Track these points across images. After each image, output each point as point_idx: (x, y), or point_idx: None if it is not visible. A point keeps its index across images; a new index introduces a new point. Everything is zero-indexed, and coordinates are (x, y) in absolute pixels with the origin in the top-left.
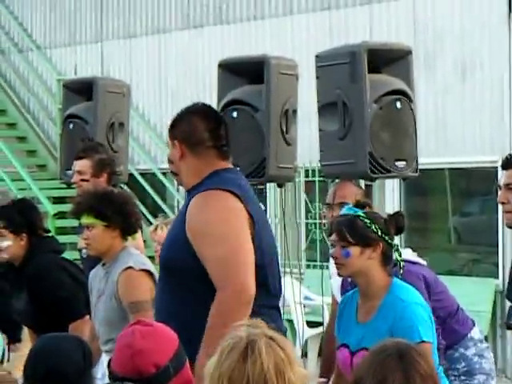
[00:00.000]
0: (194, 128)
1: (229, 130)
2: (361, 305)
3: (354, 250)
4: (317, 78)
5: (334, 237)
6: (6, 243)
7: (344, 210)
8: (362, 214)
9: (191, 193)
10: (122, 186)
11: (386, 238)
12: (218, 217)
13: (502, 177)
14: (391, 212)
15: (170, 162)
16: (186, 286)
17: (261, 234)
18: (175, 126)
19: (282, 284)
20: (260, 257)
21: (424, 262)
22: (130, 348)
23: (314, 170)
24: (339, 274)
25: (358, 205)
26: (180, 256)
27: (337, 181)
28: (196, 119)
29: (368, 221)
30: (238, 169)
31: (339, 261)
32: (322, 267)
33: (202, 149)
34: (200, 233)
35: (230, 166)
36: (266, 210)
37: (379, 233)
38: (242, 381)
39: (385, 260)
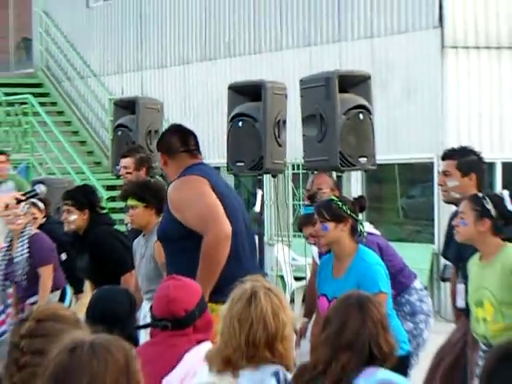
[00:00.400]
0: (169, 142)
1: (197, 138)
2: (335, 265)
3: (330, 225)
4: (301, 96)
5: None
6: (73, 217)
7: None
8: (335, 198)
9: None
10: (158, 177)
11: (353, 215)
12: (189, 188)
13: (441, 166)
14: (356, 196)
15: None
16: (178, 249)
17: (228, 206)
18: (158, 143)
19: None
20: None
21: (379, 233)
22: (166, 297)
23: (298, 165)
24: (319, 243)
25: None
26: (170, 228)
27: (315, 172)
28: (170, 135)
29: (340, 203)
30: (241, 165)
31: (319, 233)
32: (304, 236)
33: (177, 154)
34: (179, 204)
35: (199, 161)
36: (263, 195)
37: (348, 212)
38: (247, 321)
39: (352, 231)
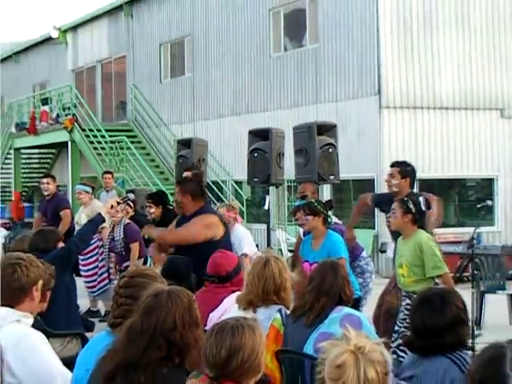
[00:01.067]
0: (195, 188)
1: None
2: (313, 242)
3: (309, 217)
4: (293, 138)
5: (301, 211)
6: (152, 210)
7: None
8: (313, 201)
9: (191, 216)
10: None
11: (324, 212)
12: (206, 219)
13: (388, 170)
14: (327, 200)
15: (178, 200)
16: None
17: (227, 236)
18: (186, 185)
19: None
20: (223, 242)
21: (341, 222)
22: (214, 262)
23: (291, 180)
24: (303, 226)
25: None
26: None
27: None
28: (195, 185)
29: (316, 204)
30: (256, 180)
31: (303, 222)
32: (295, 225)
33: (197, 197)
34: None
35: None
36: (269, 199)
37: (321, 209)
38: (263, 278)
39: (324, 222)
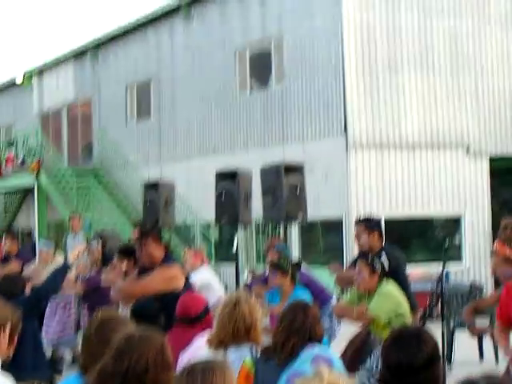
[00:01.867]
0: (157, 235)
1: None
2: (281, 298)
3: (278, 275)
4: (261, 179)
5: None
6: (124, 264)
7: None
8: (283, 260)
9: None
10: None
11: (293, 272)
12: (167, 272)
13: (354, 230)
14: (296, 261)
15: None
16: None
17: (188, 286)
18: (149, 233)
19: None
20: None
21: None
22: (184, 304)
23: (258, 220)
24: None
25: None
26: None
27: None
28: (156, 233)
29: (286, 263)
30: (224, 220)
31: (272, 278)
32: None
33: (160, 247)
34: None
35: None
36: (238, 238)
37: (288, 269)
38: (233, 318)
39: (292, 280)
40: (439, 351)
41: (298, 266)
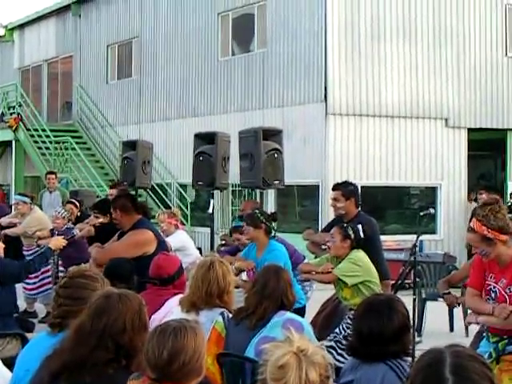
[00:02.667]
0: (124, 204)
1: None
2: (257, 251)
3: (251, 228)
4: (239, 142)
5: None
6: (100, 220)
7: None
8: (256, 212)
9: (127, 231)
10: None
11: (267, 223)
12: (138, 236)
13: (331, 194)
14: (272, 211)
15: (115, 218)
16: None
17: (161, 247)
18: (116, 202)
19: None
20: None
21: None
22: (157, 265)
23: (235, 184)
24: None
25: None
26: None
27: (245, 199)
28: (123, 200)
29: (259, 215)
30: (201, 183)
31: (246, 232)
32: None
33: (128, 212)
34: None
35: (141, 216)
36: (213, 203)
37: (263, 220)
38: (207, 280)
39: (266, 232)
40: (410, 322)
41: (272, 217)
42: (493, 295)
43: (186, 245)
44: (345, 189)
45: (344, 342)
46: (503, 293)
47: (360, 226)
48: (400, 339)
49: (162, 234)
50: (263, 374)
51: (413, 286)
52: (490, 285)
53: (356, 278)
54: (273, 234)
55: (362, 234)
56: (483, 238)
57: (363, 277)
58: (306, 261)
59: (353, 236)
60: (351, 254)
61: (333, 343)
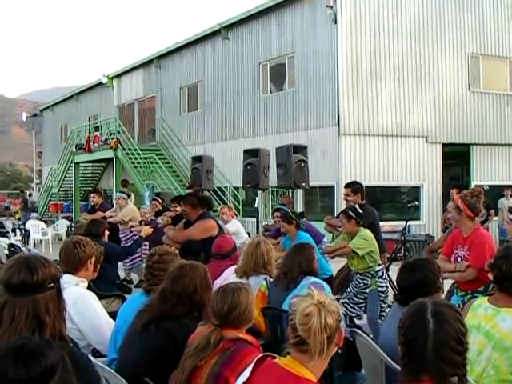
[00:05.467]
0: (192, 201)
1: (210, 200)
2: (290, 240)
3: (286, 224)
4: (276, 155)
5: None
6: (177, 209)
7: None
8: (289, 212)
9: (194, 221)
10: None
11: (297, 220)
12: (206, 224)
13: (343, 191)
14: (301, 211)
15: (185, 211)
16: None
17: (220, 231)
18: (185, 199)
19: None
20: (218, 234)
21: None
22: (218, 244)
23: (273, 186)
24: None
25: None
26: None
27: (282, 195)
28: (192, 198)
29: (292, 214)
30: (249, 185)
31: (282, 226)
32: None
33: (195, 207)
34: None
35: (205, 210)
36: (259, 199)
37: (294, 216)
38: (255, 254)
39: (297, 226)
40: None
41: (301, 215)
42: (459, 259)
43: (238, 230)
44: (353, 186)
45: (355, 298)
46: (467, 256)
47: (356, 206)
48: (438, 287)
49: (222, 221)
50: (293, 321)
51: (403, 258)
52: (457, 253)
53: (365, 250)
54: (301, 227)
55: (359, 210)
56: (457, 207)
57: (369, 248)
58: (325, 239)
59: (354, 215)
60: (360, 232)
61: (346, 300)
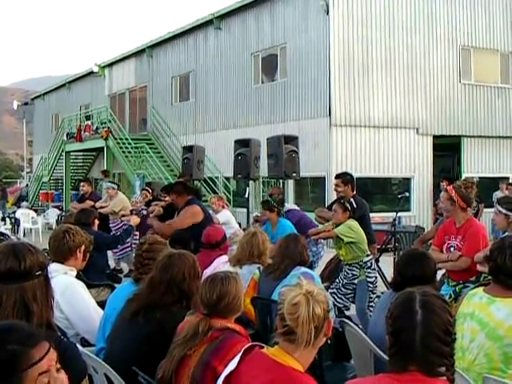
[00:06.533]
0: (178, 188)
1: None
2: (271, 226)
3: (267, 212)
4: (267, 145)
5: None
6: (167, 198)
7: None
8: (270, 199)
9: (181, 208)
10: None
11: (278, 207)
12: (189, 210)
13: (333, 181)
14: (293, 200)
15: (174, 200)
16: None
17: (207, 217)
18: (171, 188)
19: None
20: (205, 222)
21: (298, 208)
22: (207, 233)
23: (264, 176)
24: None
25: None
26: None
27: (272, 185)
28: (178, 186)
29: (272, 201)
30: (239, 176)
31: (263, 214)
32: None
33: (181, 194)
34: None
35: (191, 196)
36: (249, 190)
37: (275, 205)
38: (250, 244)
39: (277, 213)
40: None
41: (281, 202)
42: (452, 249)
43: (229, 220)
44: (344, 177)
45: (343, 289)
46: (460, 246)
47: (352, 200)
48: (433, 280)
49: (212, 211)
50: (281, 310)
51: (393, 249)
52: (450, 243)
53: (349, 238)
54: (282, 214)
55: (354, 205)
56: (450, 197)
57: (355, 239)
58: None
59: (350, 208)
60: (347, 221)
61: (335, 290)
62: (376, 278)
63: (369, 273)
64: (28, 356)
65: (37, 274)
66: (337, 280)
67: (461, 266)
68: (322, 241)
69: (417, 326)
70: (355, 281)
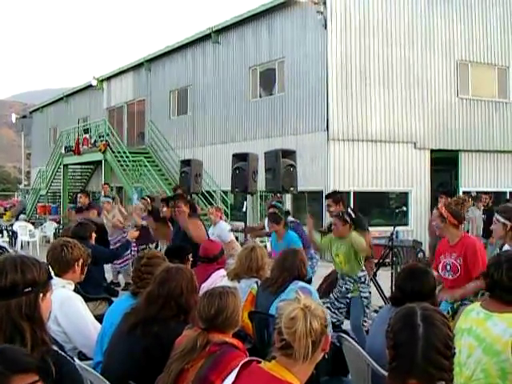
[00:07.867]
0: (187, 200)
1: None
2: (277, 238)
3: (274, 224)
4: (264, 159)
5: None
6: (164, 209)
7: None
8: (277, 212)
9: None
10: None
11: (284, 218)
12: (196, 223)
13: (326, 202)
14: (287, 210)
15: (179, 206)
16: None
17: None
18: (181, 197)
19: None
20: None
21: (298, 221)
22: (204, 247)
23: (262, 190)
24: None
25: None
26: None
27: (270, 198)
28: (182, 200)
29: (278, 213)
30: (237, 189)
31: (270, 226)
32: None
33: (186, 204)
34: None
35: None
36: (247, 203)
37: (281, 217)
38: (249, 259)
39: (284, 226)
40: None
41: (287, 213)
42: (448, 267)
43: (222, 232)
44: (334, 197)
45: (336, 303)
46: (455, 263)
47: (349, 210)
48: (432, 295)
49: (211, 222)
50: (279, 324)
51: (391, 264)
52: (445, 261)
53: (358, 246)
54: (288, 226)
55: (353, 215)
56: (440, 215)
57: (362, 251)
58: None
59: (349, 219)
60: (352, 233)
61: (329, 304)
62: (370, 293)
63: (363, 287)
64: (7, 380)
65: (25, 291)
66: (331, 295)
67: (479, 286)
68: (317, 255)
69: (419, 339)
70: (348, 295)
